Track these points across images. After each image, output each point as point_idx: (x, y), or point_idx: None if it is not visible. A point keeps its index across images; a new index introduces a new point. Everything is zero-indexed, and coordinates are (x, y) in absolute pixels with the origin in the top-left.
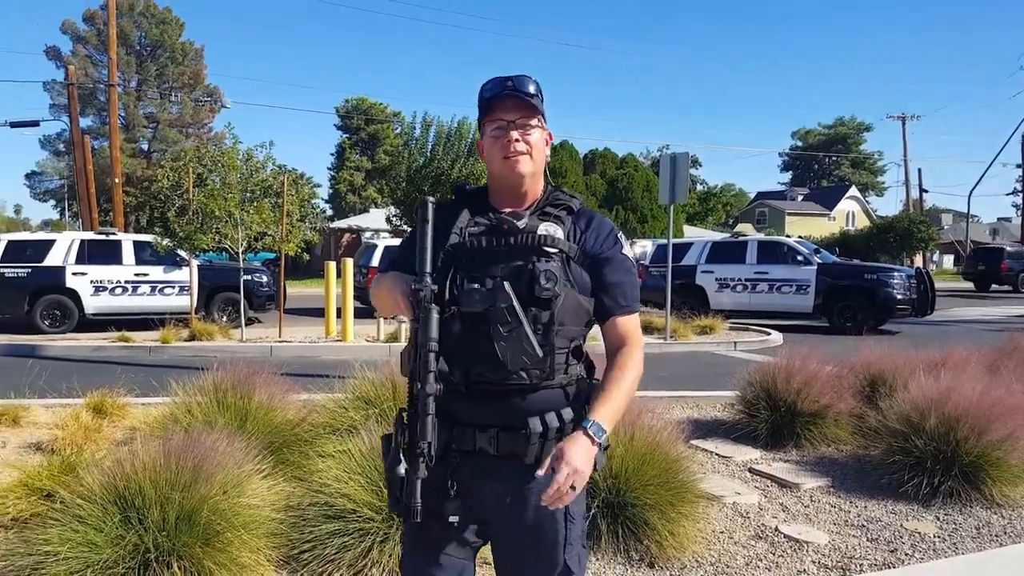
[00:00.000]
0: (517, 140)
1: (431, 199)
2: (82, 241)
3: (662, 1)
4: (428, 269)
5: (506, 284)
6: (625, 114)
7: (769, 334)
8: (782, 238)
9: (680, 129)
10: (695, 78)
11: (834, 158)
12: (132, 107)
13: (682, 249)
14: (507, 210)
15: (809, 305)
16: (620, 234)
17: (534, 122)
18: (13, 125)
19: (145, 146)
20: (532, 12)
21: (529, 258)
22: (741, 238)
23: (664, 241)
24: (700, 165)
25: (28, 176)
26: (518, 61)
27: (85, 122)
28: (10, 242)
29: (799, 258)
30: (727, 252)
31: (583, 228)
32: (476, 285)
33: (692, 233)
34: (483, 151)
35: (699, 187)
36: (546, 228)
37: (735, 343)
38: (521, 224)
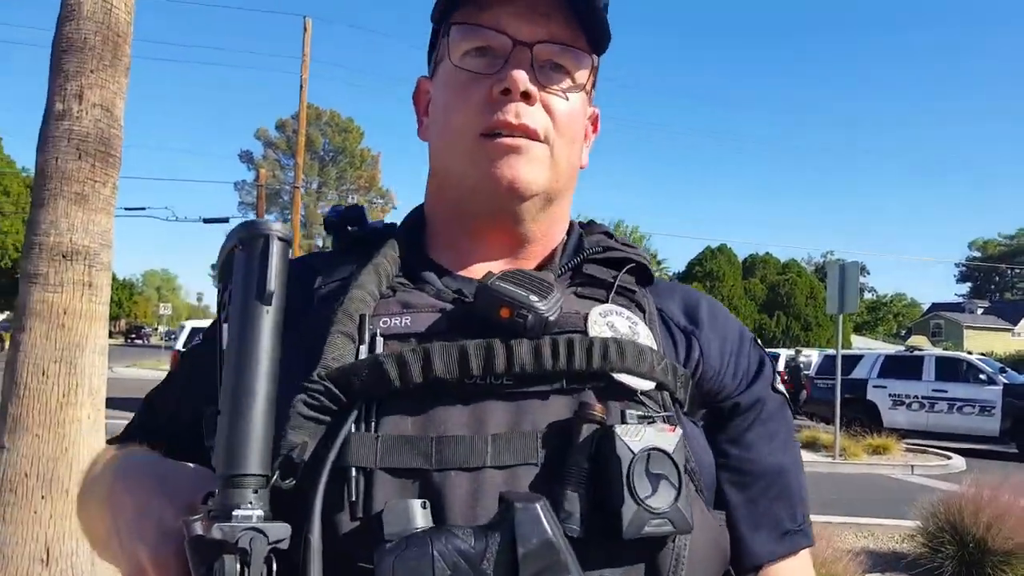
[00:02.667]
0: (528, 97)
1: (276, 229)
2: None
3: (816, 106)
4: (256, 454)
5: (538, 505)
6: (787, 219)
7: (950, 458)
8: (963, 354)
9: (846, 235)
10: (863, 184)
11: (1018, 270)
12: (312, 206)
13: (852, 361)
14: (493, 269)
15: (995, 428)
16: (754, 336)
17: (580, 65)
18: (206, 221)
19: (320, 242)
20: (688, 103)
21: (586, 414)
22: (917, 352)
23: (831, 351)
24: (868, 272)
25: (214, 266)
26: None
27: (269, 218)
28: (193, 329)
29: (982, 376)
30: (902, 367)
31: (682, 322)
32: (417, 501)
33: (860, 344)
34: (421, 103)
35: (867, 295)
36: (612, 321)
37: (912, 466)
38: (545, 308)
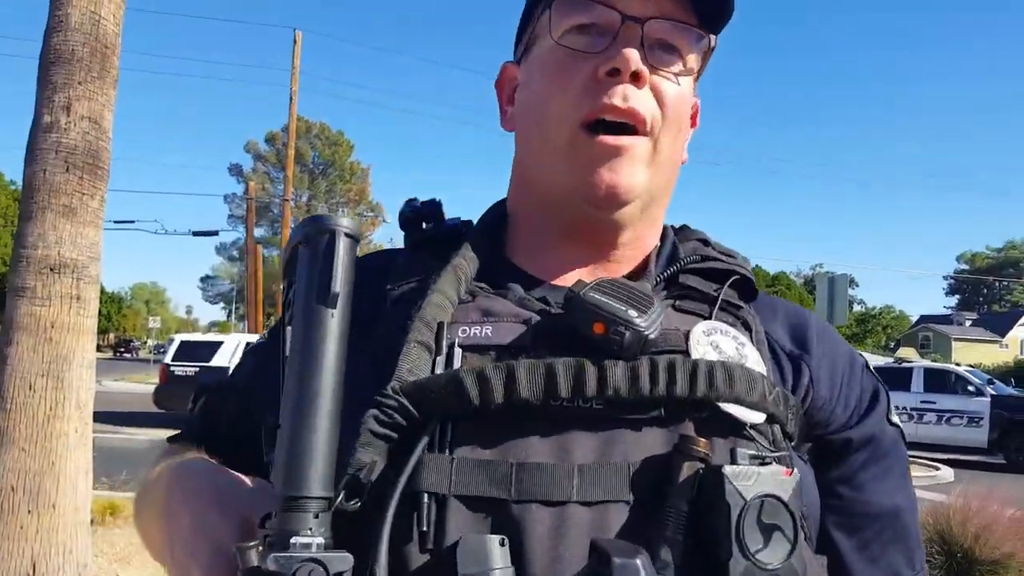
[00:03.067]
0: (638, 78)
1: (343, 224)
2: (247, 343)
3: (806, 119)
4: (318, 474)
5: (639, 561)
6: (776, 231)
7: (938, 469)
8: (951, 366)
9: (835, 247)
10: (851, 196)
11: (1006, 282)
12: (302, 219)
13: None
14: (583, 279)
15: (983, 439)
16: (866, 362)
17: (693, 47)
18: (196, 234)
19: None
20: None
21: (689, 449)
22: (905, 364)
23: None
24: (857, 285)
25: (203, 279)
26: None
27: (258, 232)
28: (182, 342)
29: (970, 388)
30: (890, 379)
31: (788, 346)
32: (496, 538)
33: None
34: (505, 90)
35: (856, 307)
36: (717, 341)
37: None
38: (644, 324)
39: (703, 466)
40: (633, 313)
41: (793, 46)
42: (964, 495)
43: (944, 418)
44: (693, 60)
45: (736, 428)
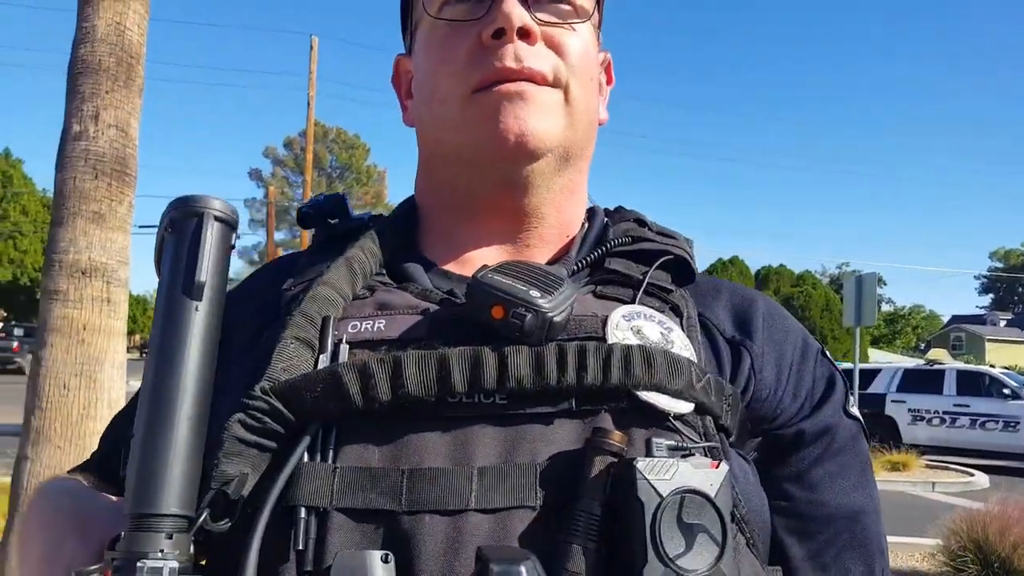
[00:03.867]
0: (528, 34)
1: (214, 207)
2: None
3: (831, 120)
4: (173, 490)
5: (523, 568)
6: (800, 230)
7: (972, 475)
8: (985, 368)
9: (862, 246)
10: (880, 193)
11: None
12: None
13: (869, 375)
14: (493, 260)
15: (1020, 444)
16: (821, 347)
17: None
18: None
19: None
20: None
21: (600, 443)
22: (937, 366)
23: (848, 365)
24: (885, 284)
25: None
26: (681, 183)
27: (279, 236)
28: None
29: (1006, 391)
30: (921, 381)
31: (729, 331)
32: (377, 554)
33: (878, 357)
34: (402, 85)
35: (885, 307)
36: (639, 326)
37: (933, 483)
38: (549, 306)
39: (616, 460)
40: (536, 294)
41: (817, 37)
42: (1003, 503)
43: (978, 422)
44: (586, 2)
45: (658, 419)
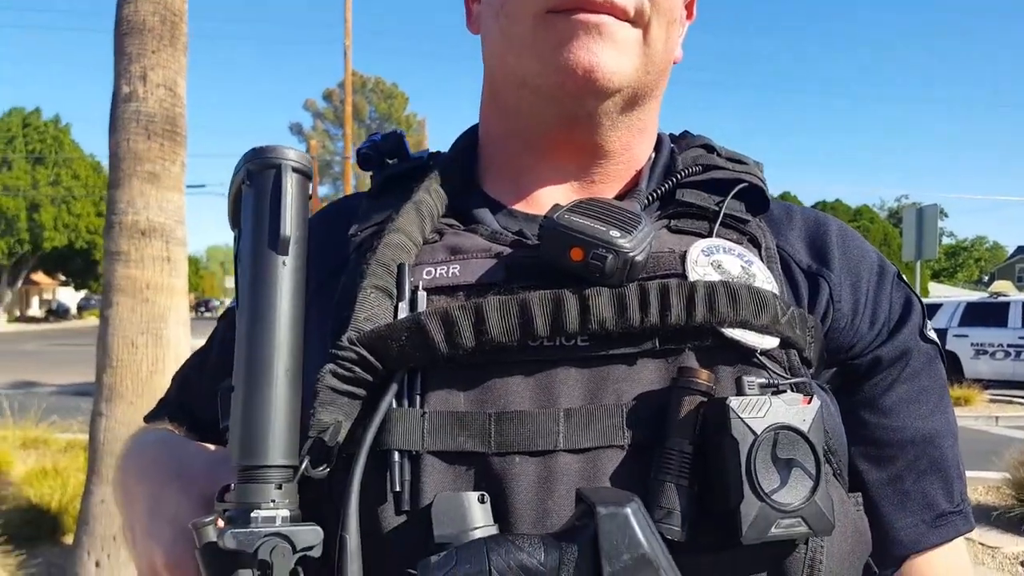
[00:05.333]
0: None
1: (290, 157)
2: None
3: (893, 42)
4: (278, 441)
5: (629, 509)
6: (856, 162)
7: None
8: None
9: (922, 176)
10: (940, 120)
11: None
12: (362, 176)
13: (930, 310)
14: (563, 201)
15: None
16: (897, 270)
17: None
18: None
19: None
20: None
21: (688, 383)
22: (1001, 298)
23: None
24: (947, 216)
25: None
26: (732, 109)
27: (322, 190)
28: None
29: None
30: (985, 314)
31: (806, 261)
32: (474, 495)
33: (939, 292)
34: (475, 8)
35: (946, 239)
36: (720, 260)
37: (996, 417)
38: (629, 246)
39: (705, 399)
40: (615, 234)
41: None
42: None
43: None
44: None
45: (744, 356)
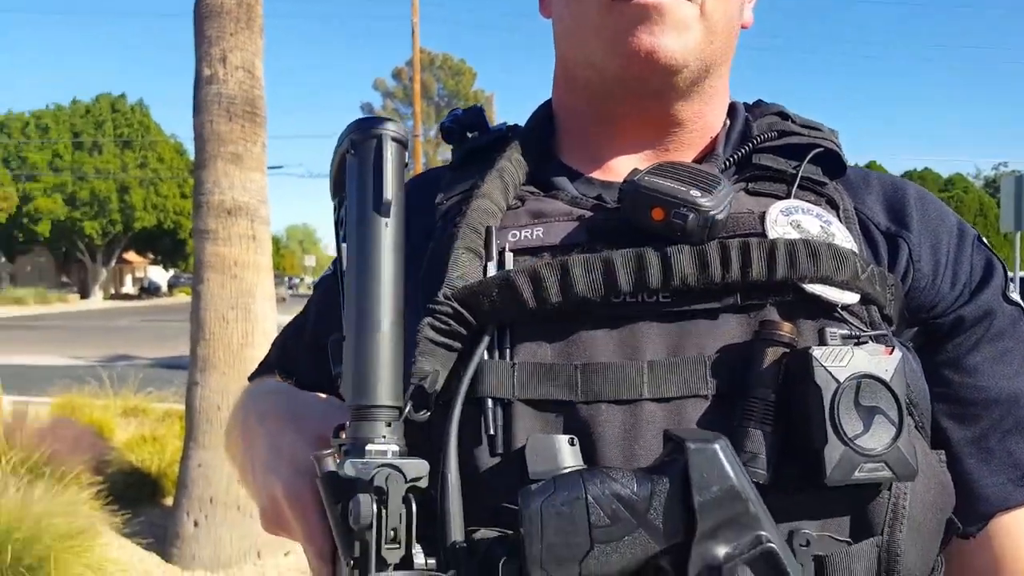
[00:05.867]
0: None
1: (389, 128)
2: None
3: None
4: (386, 384)
5: (718, 445)
6: (948, 128)
7: None
8: None
9: (1021, 142)
10: None
11: None
12: (432, 153)
13: None
14: (638, 165)
15: None
16: (978, 234)
17: None
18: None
19: None
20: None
21: (771, 334)
22: None
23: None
24: None
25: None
26: (817, 77)
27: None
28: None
29: None
30: None
31: (884, 222)
32: (564, 437)
33: None
34: (548, 3)
35: None
36: (799, 220)
37: None
38: (710, 204)
39: (788, 351)
40: (696, 193)
41: None
42: None
43: None
44: None
45: (826, 310)
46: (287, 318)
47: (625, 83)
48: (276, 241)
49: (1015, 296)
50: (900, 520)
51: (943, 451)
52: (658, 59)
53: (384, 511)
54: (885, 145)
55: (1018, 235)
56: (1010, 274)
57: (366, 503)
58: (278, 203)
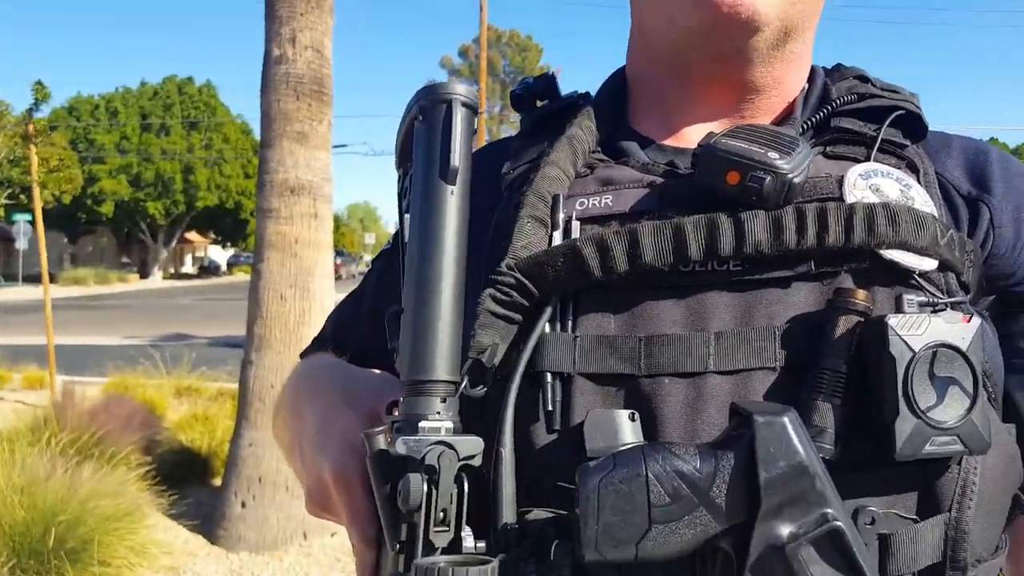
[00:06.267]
0: None
1: (459, 92)
2: None
3: None
4: (444, 358)
5: (787, 418)
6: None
7: None
8: None
9: None
10: None
11: None
12: (495, 130)
13: None
14: (712, 131)
15: None
16: None
17: None
18: None
19: None
20: None
21: (846, 302)
22: None
23: None
24: None
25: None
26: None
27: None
28: None
29: None
30: None
31: (965, 187)
32: (624, 412)
33: None
34: None
35: None
36: (878, 184)
37: None
38: (788, 167)
39: (862, 320)
40: (774, 155)
41: None
42: None
43: None
44: None
45: (902, 277)
46: (341, 296)
47: (706, 40)
48: (336, 219)
49: None
50: (969, 496)
51: (1013, 425)
52: (740, 13)
53: (435, 491)
54: (949, 111)
55: None
56: None
57: (416, 483)
58: (341, 182)
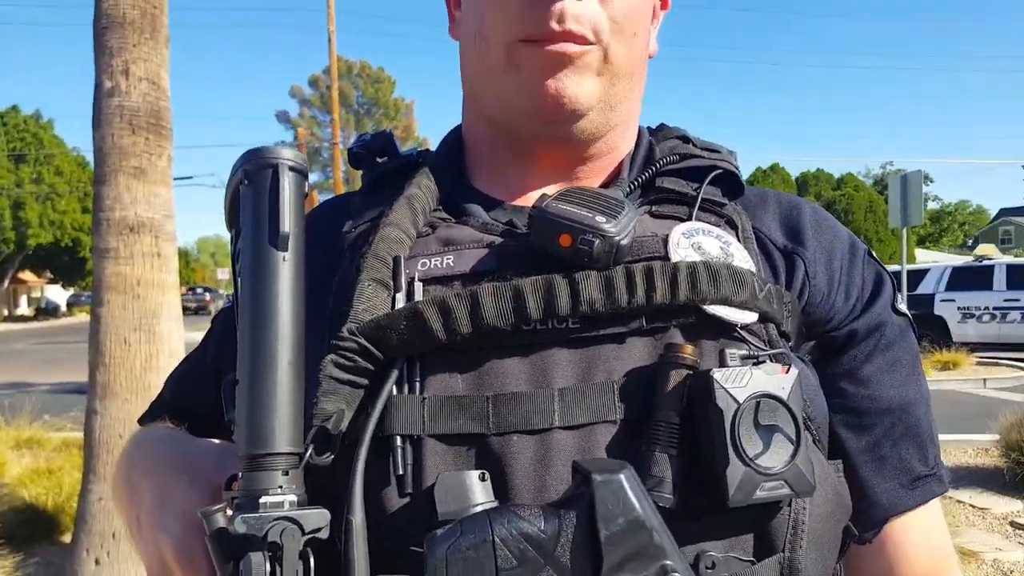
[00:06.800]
0: None
1: (286, 156)
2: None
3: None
4: (284, 429)
5: (623, 475)
6: (840, 131)
7: None
8: None
9: (905, 143)
10: (919, 87)
11: None
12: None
13: (917, 276)
14: (547, 190)
15: None
16: (867, 248)
17: None
18: None
19: None
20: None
21: (674, 357)
22: (986, 262)
23: (896, 267)
24: (931, 181)
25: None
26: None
27: (312, 178)
28: None
29: None
30: (970, 278)
31: (781, 240)
32: (475, 473)
33: (925, 257)
34: (457, 15)
35: (931, 204)
36: (700, 242)
37: (984, 380)
38: (615, 230)
39: (691, 372)
40: (601, 219)
41: None
42: None
43: None
44: None
45: (726, 330)
46: (197, 335)
47: (535, 124)
48: (186, 254)
49: (903, 307)
50: (800, 535)
51: (840, 461)
52: (564, 103)
53: (279, 569)
54: (785, 147)
55: (904, 230)
56: (895, 268)
57: (258, 562)
58: (189, 216)
